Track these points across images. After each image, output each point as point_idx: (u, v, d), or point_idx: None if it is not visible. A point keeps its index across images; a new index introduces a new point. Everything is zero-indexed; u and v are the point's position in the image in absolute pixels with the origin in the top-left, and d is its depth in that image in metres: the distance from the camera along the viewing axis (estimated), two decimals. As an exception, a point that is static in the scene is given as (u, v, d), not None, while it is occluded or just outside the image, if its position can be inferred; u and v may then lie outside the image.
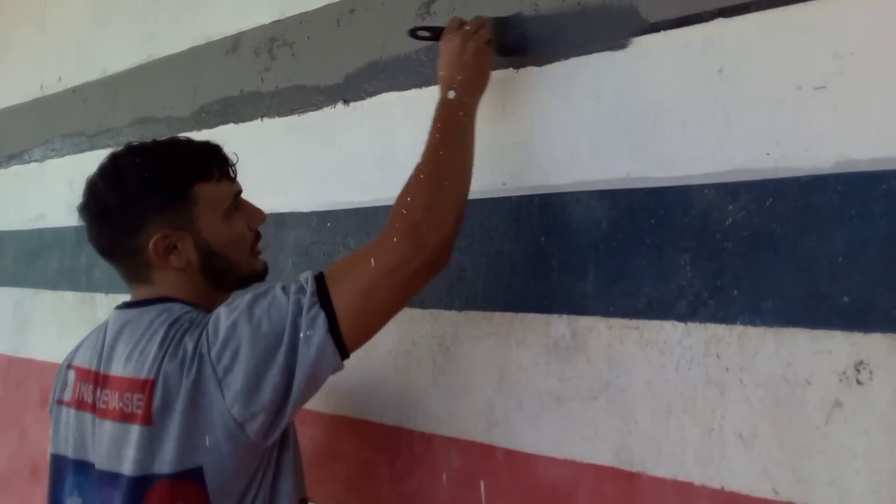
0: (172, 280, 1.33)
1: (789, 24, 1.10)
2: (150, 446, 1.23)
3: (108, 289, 2.31)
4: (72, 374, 1.39)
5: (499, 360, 1.41)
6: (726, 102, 1.15)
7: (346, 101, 1.71)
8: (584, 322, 1.29)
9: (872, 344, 1.00)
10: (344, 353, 1.23)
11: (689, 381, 1.17)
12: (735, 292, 1.12)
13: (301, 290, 1.23)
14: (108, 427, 1.28)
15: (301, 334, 1.20)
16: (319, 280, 1.23)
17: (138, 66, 2.32)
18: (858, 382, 1.01)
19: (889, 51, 1.02)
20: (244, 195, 1.42)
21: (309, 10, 1.79)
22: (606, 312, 1.26)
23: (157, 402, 1.22)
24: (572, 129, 1.33)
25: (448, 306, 1.49)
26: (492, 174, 1.43)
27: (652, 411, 1.20)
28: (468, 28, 1.37)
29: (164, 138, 1.42)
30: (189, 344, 1.23)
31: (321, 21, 1.76)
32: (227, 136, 1.86)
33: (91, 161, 1.37)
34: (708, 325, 1.15)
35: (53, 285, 2.65)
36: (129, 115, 2.33)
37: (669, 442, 1.18)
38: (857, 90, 1.04)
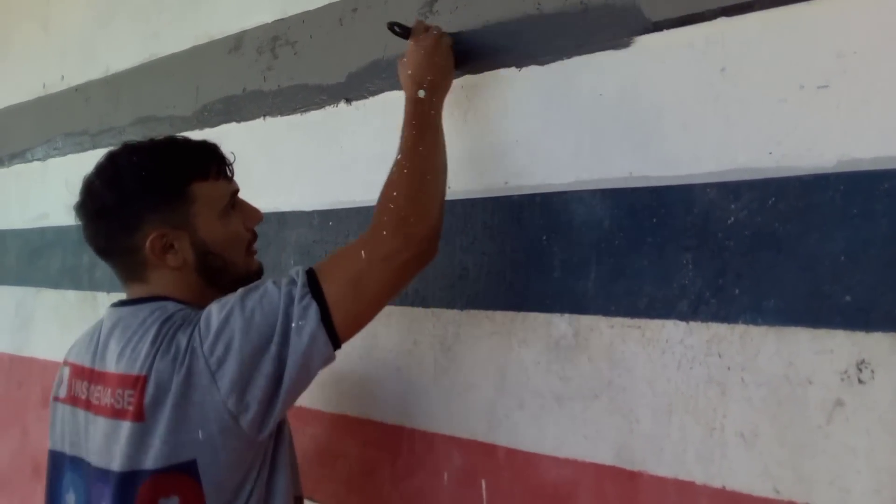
0: (168, 279, 1.33)
1: (792, 23, 1.10)
2: (140, 442, 1.23)
3: (110, 288, 2.31)
4: (66, 371, 1.40)
5: (500, 360, 1.41)
6: (728, 102, 1.15)
7: (348, 100, 1.71)
8: (586, 321, 1.29)
9: (874, 343, 1.00)
10: (336, 344, 1.24)
11: (690, 380, 1.17)
12: (737, 291, 1.12)
13: (292, 282, 1.24)
14: (100, 423, 1.29)
15: (293, 324, 1.21)
16: (310, 273, 1.25)
17: (141, 64, 2.32)
18: (860, 382, 1.01)
19: (892, 50, 1.02)
20: (247, 194, 1.42)
21: (311, 8, 1.79)
22: (608, 311, 1.26)
23: (148, 398, 1.22)
24: (574, 128, 1.33)
25: (450, 305, 1.49)
26: (494, 173, 1.43)
27: (653, 410, 1.20)
28: (435, 32, 1.42)
29: (161, 137, 1.42)
30: (182, 340, 1.23)
31: (324, 20, 1.76)
32: (230, 136, 1.86)
33: (93, 160, 1.37)
34: (710, 324, 1.15)
35: (55, 284, 2.65)
36: (131, 114, 2.33)
37: (671, 441, 1.18)
38: (859, 89, 1.04)
